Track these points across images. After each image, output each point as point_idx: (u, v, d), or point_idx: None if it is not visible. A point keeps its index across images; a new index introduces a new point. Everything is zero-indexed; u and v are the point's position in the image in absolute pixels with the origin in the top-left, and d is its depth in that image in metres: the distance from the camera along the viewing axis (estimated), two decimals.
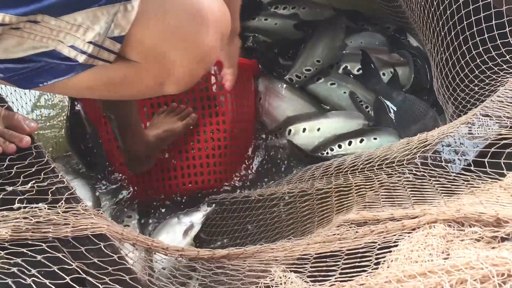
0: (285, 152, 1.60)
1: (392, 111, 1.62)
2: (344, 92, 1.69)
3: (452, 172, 0.94)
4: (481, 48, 1.17)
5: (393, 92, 1.64)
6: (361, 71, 1.74)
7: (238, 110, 1.52)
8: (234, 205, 1.35)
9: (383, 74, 1.73)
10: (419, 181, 0.94)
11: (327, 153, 1.54)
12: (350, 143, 1.54)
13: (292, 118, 1.63)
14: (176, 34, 0.72)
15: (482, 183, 0.87)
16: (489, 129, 0.97)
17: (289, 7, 1.91)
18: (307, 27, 1.84)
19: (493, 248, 0.66)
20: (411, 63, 1.74)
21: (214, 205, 1.38)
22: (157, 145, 1.37)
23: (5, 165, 0.78)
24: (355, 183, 1.02)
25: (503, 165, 0.85)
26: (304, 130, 1.61)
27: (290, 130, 1.61)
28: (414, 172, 0.96)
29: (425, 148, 0.99)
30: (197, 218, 1.35)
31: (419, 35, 1.52)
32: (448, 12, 1.24)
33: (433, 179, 0.93)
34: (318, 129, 1.60)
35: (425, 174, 0.95)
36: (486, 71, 1.15)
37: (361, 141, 1.54)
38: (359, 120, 1.62)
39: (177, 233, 1.32)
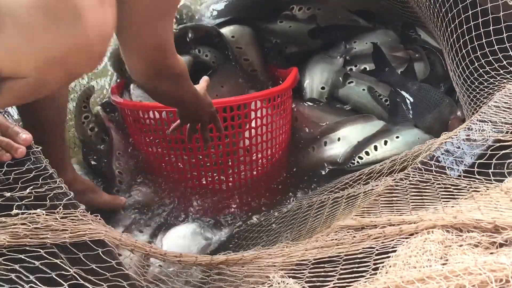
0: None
1: (408, 101, 1.62)
2: (363, 89, 1.70)
3: (453, 177, 0.94)
4: (479, 53, 1.17)
5: (407, 82, 1.64)
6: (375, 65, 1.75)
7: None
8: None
9: (400, 70, 1.73)
10: (423, 184, 0.94)
11: (358, 162, 1.52)
12: (376, 148, 1.52)
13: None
14: None
15: (483, 186, 0.87)
16: (487, 134, 0.97)
17: (305, 8, 1.91)
18: (322, 34, 1.86)
19: (491, 253, 0.66)
20: (425, 58, 1.75)
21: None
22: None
23: (3, 171, 0.78)
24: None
25: (498, 169, 0.85)
26: (325, 143, 1.60)
27: (325, 142, 1.60)
28: (418, 176, 0.96)
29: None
30: (217, 237, 1.35)
31: (428, 27, 1.51)
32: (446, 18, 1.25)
33: (436, 182, 0.93)
34: (339, 139, 1.59)
35: (430, 177, 0.95)
36: (484, 74, 1.15)
37: (385, 143, 1.52)
38: (375, 121, 1.61)
39: (193, 241, 1.32)
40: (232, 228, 1.40)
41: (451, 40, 1.23)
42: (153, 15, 0.86)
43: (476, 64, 1.16)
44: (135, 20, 0.85)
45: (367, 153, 1.51)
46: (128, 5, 0.80)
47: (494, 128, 0.97)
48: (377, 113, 1.66)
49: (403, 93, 1.63)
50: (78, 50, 0.58)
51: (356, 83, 1.71)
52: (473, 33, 1.17)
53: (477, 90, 1.16)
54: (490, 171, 0.88)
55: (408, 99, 1.61)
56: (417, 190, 0.91)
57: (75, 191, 0.80)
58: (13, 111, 1.33)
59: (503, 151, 0.88)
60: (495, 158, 0.89)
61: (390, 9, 1.85)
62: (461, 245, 0.68)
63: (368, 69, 1.78)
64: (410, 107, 1.60)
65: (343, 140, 1.57)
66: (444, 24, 1.28)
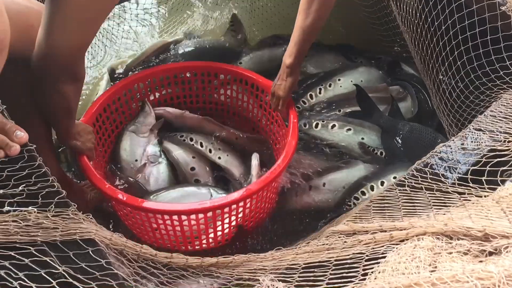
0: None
1: (401, 142, 1.60)
2: (362, 138, 1.66)
3: (447, 184, 0.94)
4: (475, 63, 1.18)
5: (398, 124, 1.62)
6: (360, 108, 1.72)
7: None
8: None
9: (386, 111, 1.72)
10: (414, 193, 0.94)
11: (354, 203, 1.49)
12: (372, 188, 1.49)
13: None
14: None
15: (475, 195, 0.87)
16: (482, 143, 0.97)
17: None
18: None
19: (480, 261, 0.66)
20: (412, 93, 1.75)
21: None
22: None
23: None
24: None
25: (490, 178, 0.85)
26: (324, 184, 1.57)
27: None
28: (413, 183, 0.96)
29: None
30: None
31: (414, 59, 1.52)
32: (443, 27, 1.26)
33: (429, 190, 0.93)
34: (324, 184, 1.56)
35: (423, 186, 0.94)
36: (480, 87, 1.16)
37: (382, 183, 1.49)
38: (360, 166, 1.58)
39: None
40: None
41: (443, 54, 1.25)
42: (86, 15, 0.93)
43: (472, 75, 1.17)
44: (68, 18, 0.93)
45: (363, 193, 1.49)
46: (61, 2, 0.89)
47: (490, 136, 0.97)
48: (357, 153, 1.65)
49: (395, 134, 1.61)
50: None
51: (354, 131, 1.66)
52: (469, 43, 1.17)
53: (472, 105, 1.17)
54: (483, 178, 0.88)
55: (402, 140, 1.59)
56: (409, 197, 0.91)
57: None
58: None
59: (497, 159, 0.88)
60: (489, 165, 0.89)
61: (375, 43, 1.87)
62: (450, 253, 0.68)
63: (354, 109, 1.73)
64: (404, 148, 1.58)
65: (328, 185, 1.54)
66: (434, 39, 1.29)
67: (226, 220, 1.32)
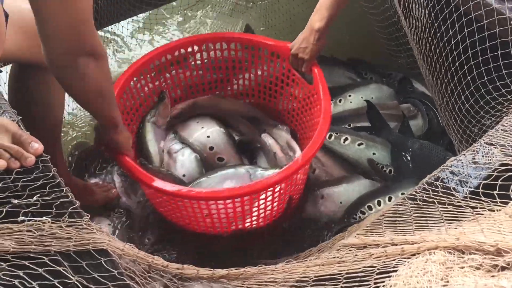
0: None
1: (411, 159, 1.60)
2: (374, 153, 1.66)
3: (459, 198, 0.93)
4: (485, 78, 1.18)
5: (407, 141, 1.63)
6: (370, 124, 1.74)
7: None
8: None
9: (396, 128, 1.72)
10: (426, 207, 0.94)
11: (360, 217, 1.49)
12: (379, 203, 1.50)
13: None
14: None
15: (487, 209, 0.86)
16: (494, 157, 0.97)
17: None
18: None
19: (492, 276, 0.66)
20: (423, 111, 1.76)
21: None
22: None
23: (12, 178, 0.80)
24: None
25: (502, 192, 0.85)
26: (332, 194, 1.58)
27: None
28: (425, 197, 0.95)
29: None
30: None
31: (423, 75, 1.52)
32: (452, 42, 1.26)
33: (440, 206, 0.92)
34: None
35: (434, 200, 0.94)
36: (491, 101, 1.16)
37: (390, 199, 1.49)
38: (362, 181, 1.59)
39: None
40: None
41: (452, 69, 1.25)
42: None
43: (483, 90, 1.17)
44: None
45: (369, 208, 1.49)
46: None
47: (502, 151, 0.97)
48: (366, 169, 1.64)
49: (405, 151, 1.61)
50: None
51: (366, 146, 1.66)
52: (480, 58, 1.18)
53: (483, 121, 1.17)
54: (495, 192, 0.88)
55: (411, 158, 1.59)
56: (421, 211, 0.91)
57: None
58: None
59: (509, 174, 0.88)
60: (501, 180, 0.89)
61: (387, 58, 1.89)
62: (462, 267, 0.68)
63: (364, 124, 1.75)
64: (413, 165, 1.58)
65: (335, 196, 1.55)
66: (443, 54, 1.30)
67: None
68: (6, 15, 0.92)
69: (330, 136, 1.67)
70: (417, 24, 1.43)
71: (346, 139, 1.67)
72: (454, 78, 1.30)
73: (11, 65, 1.30)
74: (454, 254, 0.71)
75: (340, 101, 1.82)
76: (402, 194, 1.46)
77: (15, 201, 0.76)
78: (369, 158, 1.64)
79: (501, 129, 1.02)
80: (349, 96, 1.83)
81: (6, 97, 1.20)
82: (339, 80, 1.93)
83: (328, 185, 1.59)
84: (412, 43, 1.51)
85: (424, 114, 1.76)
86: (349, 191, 1.56)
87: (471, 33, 1.21)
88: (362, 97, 1.81)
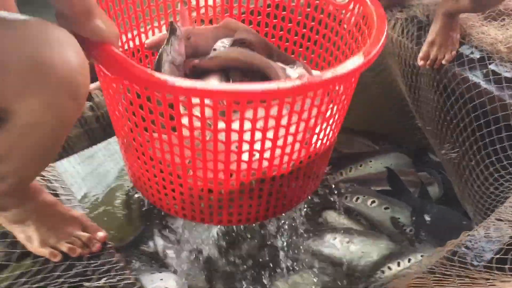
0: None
1: (429, 222, 1.68)
2: (399, 218, 1.72)
3: (473, 271, 1.02)
4: (493, 157, 1.30)
5: (427, 205, 1.72)
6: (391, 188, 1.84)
7: None
8: None
9: (415, 192, 1.83)
10: (445, 280, 1.02)
11: (380, 277, 1.52)
12: (399, 264, 1.53)
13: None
14: None
15: (499, 281, 0.95)
16: (504, 232, 1.07)
17: None
18: None
19: None
20: (439, 181, 1.86)
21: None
22: None
23: (83, 265, 0.93)
24: None
25: None
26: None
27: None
28: (443, 271, 1.04)
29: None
30: None
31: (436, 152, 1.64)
32: (461, 125, 1.40)
33: (458, 278, 1.01)
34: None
35: (451, 273, 1.03)
36: (499, 178, 1.27)
37: (409, 260, 1.53)
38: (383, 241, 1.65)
39: None
40: None
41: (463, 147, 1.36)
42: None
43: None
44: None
45: (389, 268, 1.53)
46: None
47: (510, 226, 1.07)
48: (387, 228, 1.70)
49: (425, 214, 1.69)
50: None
51: (378, 204, 1.74)
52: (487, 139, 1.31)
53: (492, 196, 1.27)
54: (507, 266, 0.97)
55: (430, 221, 1.67)
56: (441, 285, 0.99)
57: None
58: None
59: None
60: (511, 253, 0.98)
61: (403, 131, 2.01)
62: None
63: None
64: (433, 228, 1.65)
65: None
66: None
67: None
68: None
69: (357, 199, 1.77)
70: (426, 107, 1.58)
71: (373, 201, 1.77)
72: (465, 156, 1.42)
73: None
74: None
75: (360, 165, 1.95)
76: (422, 256, 1.52)
77: (87, 284, 0.89)
78: (391, 216, 1.72)
79: (509, 206, 1.12)
80: (370, 161, 1.95)
81: None
82: (360, 147, 2.07)
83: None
84: (422, 123, 1.64)
85: (440, 183, 1.86)
86: (375, 248, 1.61)
87: (480, 126, 1.35)
88: (381, 163, 1.93)
